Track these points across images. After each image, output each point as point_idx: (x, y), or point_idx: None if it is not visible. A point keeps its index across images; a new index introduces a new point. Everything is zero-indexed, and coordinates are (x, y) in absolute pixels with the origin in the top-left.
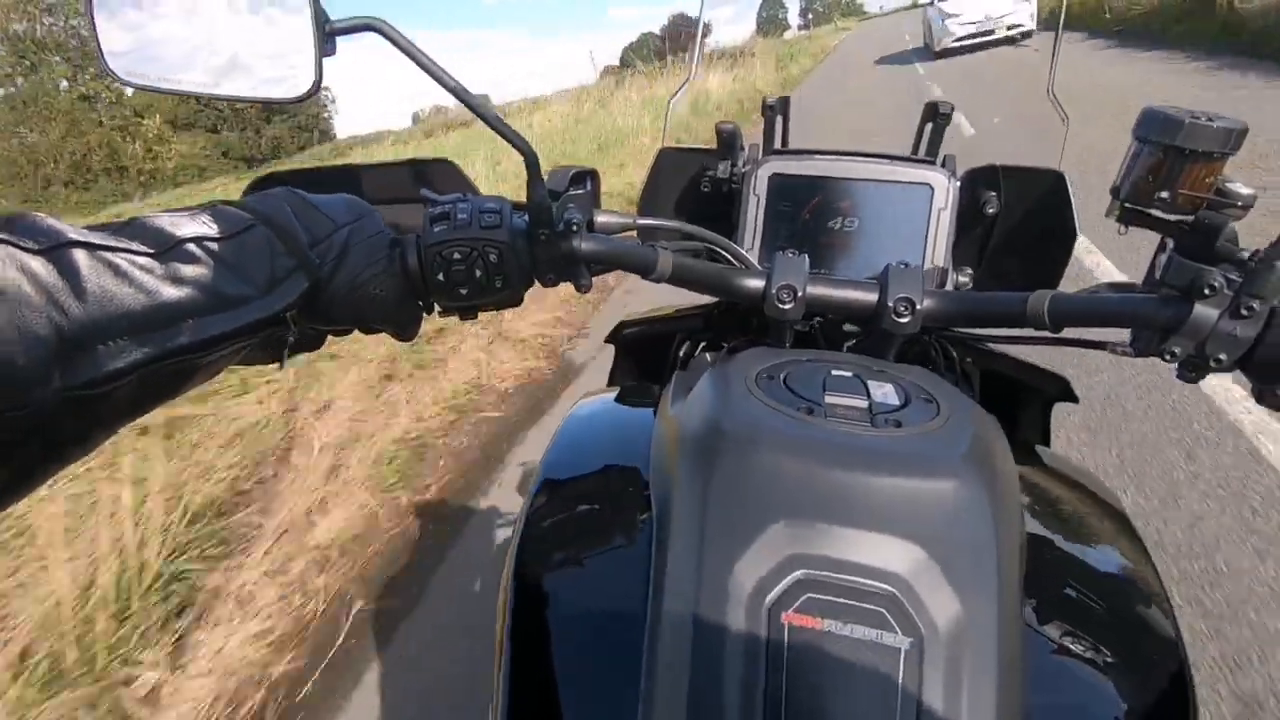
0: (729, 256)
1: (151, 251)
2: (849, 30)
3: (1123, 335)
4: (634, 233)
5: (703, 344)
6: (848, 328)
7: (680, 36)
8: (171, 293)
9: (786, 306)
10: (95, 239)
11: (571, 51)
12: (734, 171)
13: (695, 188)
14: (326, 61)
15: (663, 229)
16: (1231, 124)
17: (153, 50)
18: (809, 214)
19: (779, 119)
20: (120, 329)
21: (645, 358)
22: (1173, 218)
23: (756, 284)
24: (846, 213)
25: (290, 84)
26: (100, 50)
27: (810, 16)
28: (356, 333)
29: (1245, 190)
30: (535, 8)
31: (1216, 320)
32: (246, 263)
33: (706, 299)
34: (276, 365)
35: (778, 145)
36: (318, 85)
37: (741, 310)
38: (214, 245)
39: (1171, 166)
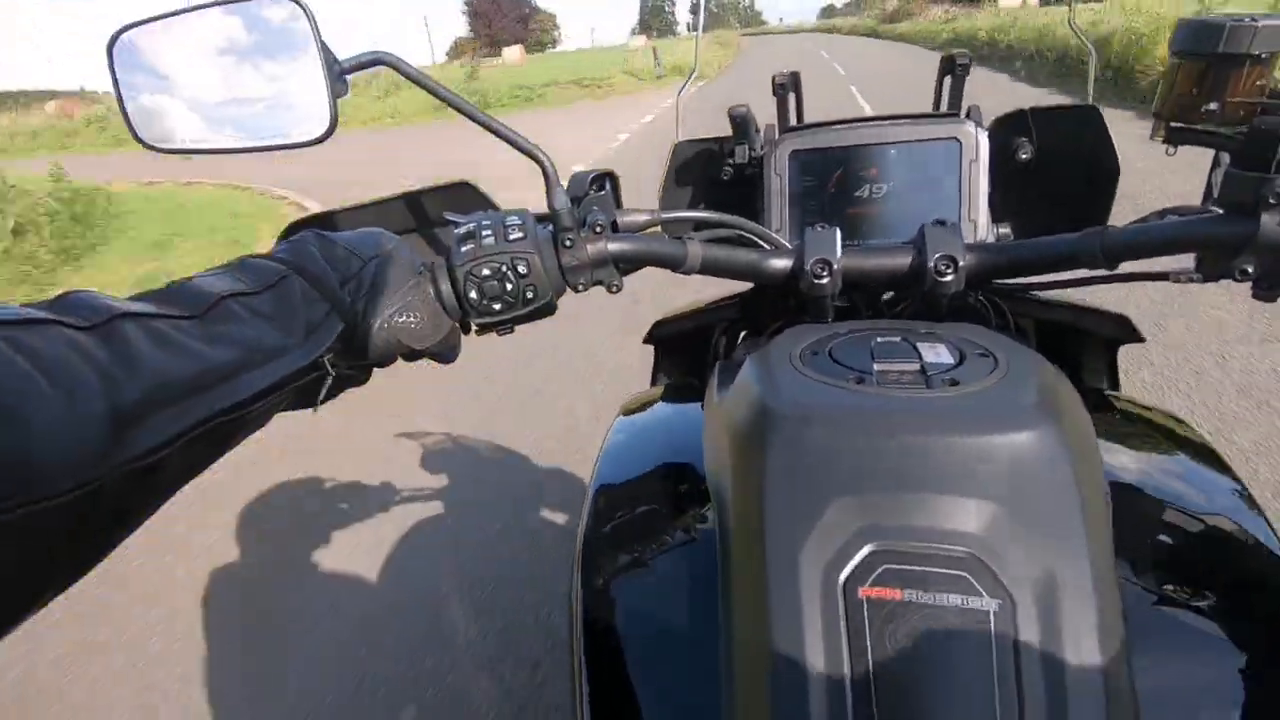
0: (758, 239)
1: (193, 314)
2: (709, 81)
3: (1185, 262)
4: (659, 228)
5: (743, 333)
6: (890, 296)
7: (491, 14)
8: (215, 353)
9: (822, 281)
10: (140, 308)
11: (434, 11)
12: (752, 155)
13: (714, 177)
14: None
15: (688, 220)
16: (1277, 20)
17: (178, 117)
18: (834, 186)
19: (791, 95)
20: (171, 396)
21: (687, 353)
22: (1225, 130)
23: (789, 263)
24: (874, 179)
25: (308, 126)
26: (129, 124)
27: (699, 14)
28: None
29: None
30: None
31: None
32: (283, 313)
33: (741, 286)
34: (315, 407)
35: (792, 122)
36: (334, 123)
37: (778, 292)
38: (250, 300)
39: (1217, 75)
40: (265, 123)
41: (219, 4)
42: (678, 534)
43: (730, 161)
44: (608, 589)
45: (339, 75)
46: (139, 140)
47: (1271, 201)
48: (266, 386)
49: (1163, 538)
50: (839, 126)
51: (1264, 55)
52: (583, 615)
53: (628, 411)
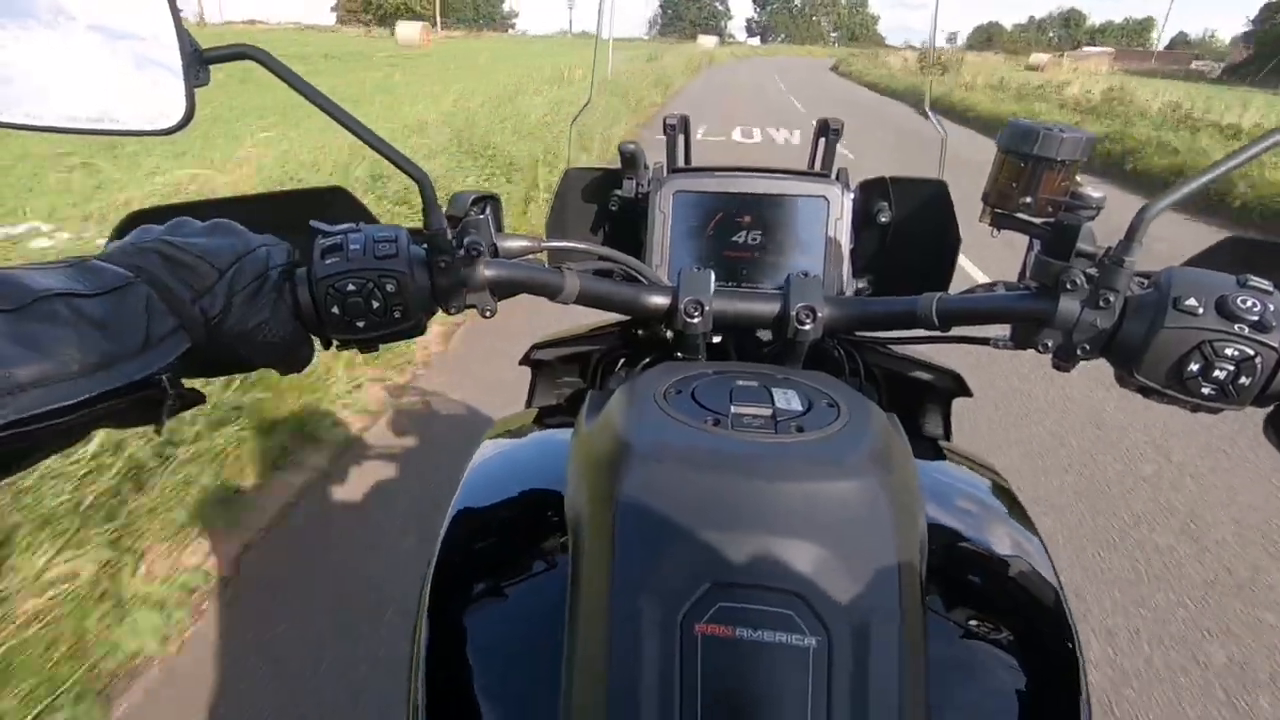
0: (638, 275)
1: (5, 308)
2: None
3: (1004, 330)
4: (542, 255)
5: (621, 360)
6: (760, 335)
7: None
8: (21, 354)
9: (695, 320)
10: None
11: None
12: (639, 191)
13: (604, 207)
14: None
15: (569, 250)
16: (1080, 134)
17: (3, 81)
18: (713, 229)
19: (680, 137)
20: None
21: (565, 377)
22: (1037, 220)
23: (664, 301)
24: (750, 226)
25: (160, 115)
26: None
27: (756, 26)
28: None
29: (1096, 194)
30: None
31: (1080, 313)
32: (120, 322)
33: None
34: (153, 427)
35: (680, 163)
36: (190, 115)
37: (655, 326)
38: (82, 303)
39: (1031, 174)
40: (112, 103)
41: None
42: (534, 563)
43: (618, 194)
44: (457, 620)
45: (200, 64)
46: None
47: (1068, 287)
48: (81, 400)
49: (968, 578)
50: (722, 174)
51: (1069, 161)
52: (426, 644)
53: (497, 434)
